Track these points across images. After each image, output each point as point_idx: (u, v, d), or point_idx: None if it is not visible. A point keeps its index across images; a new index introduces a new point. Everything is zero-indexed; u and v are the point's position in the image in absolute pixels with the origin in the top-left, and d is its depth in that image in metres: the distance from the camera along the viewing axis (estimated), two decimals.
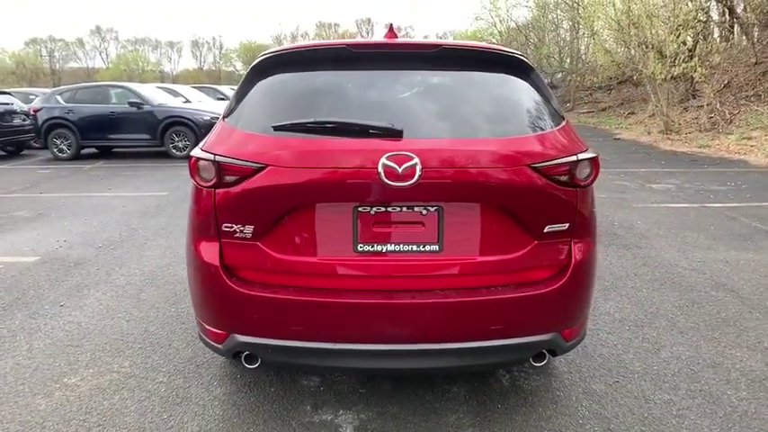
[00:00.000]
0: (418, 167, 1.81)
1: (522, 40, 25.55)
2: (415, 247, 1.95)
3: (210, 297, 2.06)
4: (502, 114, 2.07)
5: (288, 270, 1.97)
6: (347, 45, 2.07)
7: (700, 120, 12.83)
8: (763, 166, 9.17)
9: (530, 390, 2.48)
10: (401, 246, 1.95)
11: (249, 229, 1.95)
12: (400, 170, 1.81)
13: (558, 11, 22.60)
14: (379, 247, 1.95)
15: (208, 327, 2.10)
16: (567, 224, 2.00)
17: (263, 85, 2.11)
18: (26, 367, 2.70)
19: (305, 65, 2.15)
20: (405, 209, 1.93)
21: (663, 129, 13.40)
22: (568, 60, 23.78)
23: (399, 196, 1.88)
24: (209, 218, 1.99)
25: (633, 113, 17.40)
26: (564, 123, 2.10)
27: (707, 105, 12.87)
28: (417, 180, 1.81)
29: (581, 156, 1.98)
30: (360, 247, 1.94)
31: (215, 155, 1.94)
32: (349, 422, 2.25)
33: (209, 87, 20.29)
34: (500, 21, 25.72)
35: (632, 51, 14.35)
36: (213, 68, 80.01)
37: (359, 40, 2.22)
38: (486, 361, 2.07)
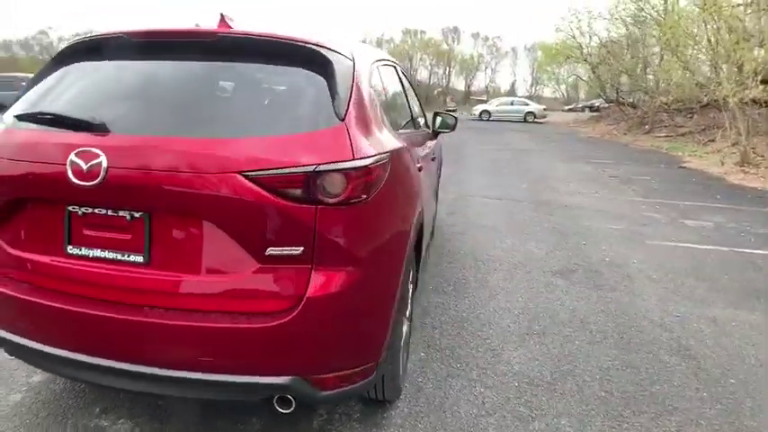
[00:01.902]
0: (103, 166, 1.60)
1: (604, 53, 23.96)
2: (119, 256, 1.69)
3: None
4: (250, 113, 1.75)
5: (14, 264, 1.81)
6: (125, 33, 1.92)
7: None
8: None
9: None
10: (108, 252, 1.69)
11: None
12: (85, 168, 1.61)
13: (641, 26, 20.87)
14: (88, 252, 1.72)
15: None
16: (302, 248, 1.59)
17: (39, 78, 1.99)
18: None
19: (87, 54, 2.00)
20: (110, 212, 1.67)
21: (739, 160, 11.83)
22: (649, 78, 21.92)
23: (94, 198, 1.66)
24: None
25: (713, 141, 15.61)
26: (336, 125, 1.68)
27: None
28: (101, 180, 1.60)
29: (324, 167, 1.56)
30: (70, 249, 1.72)
31: None
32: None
33: None
34: (580, 33, 24.28)
35: (707, 69, 12.86)
36: None
37: (142, 28, 1.93)
38: (207, 395, 1.80)
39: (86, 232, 1.71)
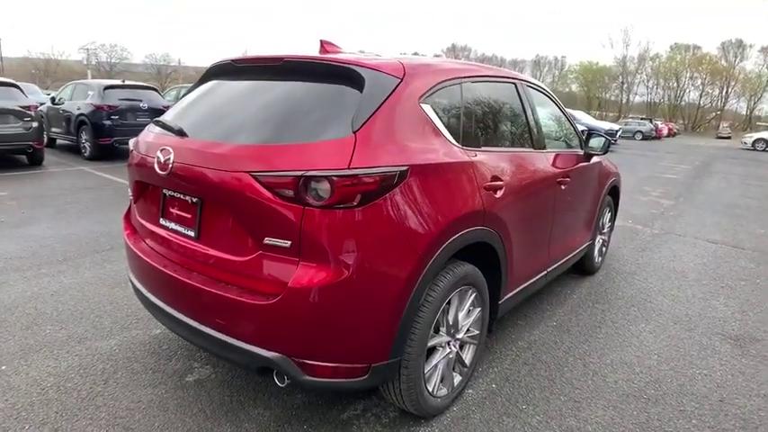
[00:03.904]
0: (171, 160, 2.09)
1: None
2: (182, 230, 2.18)
3: None
4: (279, 124, 2.01)
5: (141, 229, 2.49)
6: (232, 60, 2.46)
7: None
8: None
9: None
10: (178, 226, 2.19)
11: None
12: (162, 161, 2.11)
13: None
14: (170, 224, 2.24)
15: None
16: (290, 242, 1.79)
17: (186, 93, 2.70)
18: None
19: (210, 76, 2.60)
20: (182, 196, 2.15)
21: None
22: None
23: (170, 184, 2.16)
24: None
25: None
26: (346, 137, 1.83)
27: None
28: (170, 171, 2.08)
29: (313, 173, 1.74)
30: (161, 221, 2.29)
31: None
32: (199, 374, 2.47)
33: None
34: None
35: None
36: (551, 88, 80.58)
37: (241, 56, 2.47)
38: (219, 353, 2.09)
39: (170, 209, 2.22)
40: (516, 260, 2.75)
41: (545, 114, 3.45)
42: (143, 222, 2.42)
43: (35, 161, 9.27)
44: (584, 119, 21.20)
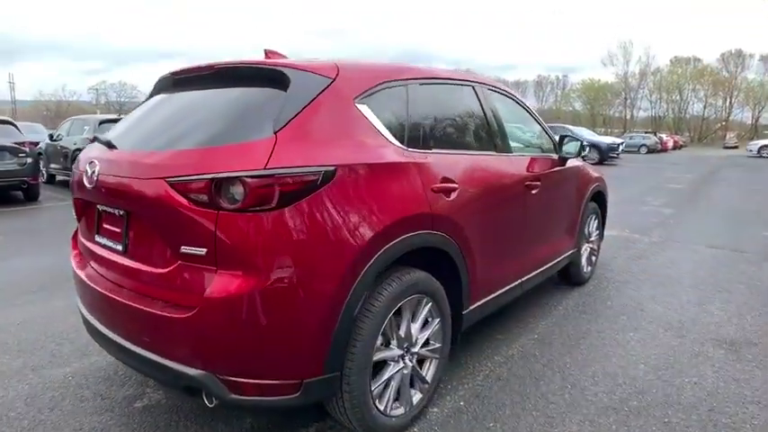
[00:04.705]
0: (96, 172, 2.04)
1: None
2: (112, 245, 2.10)
3: None
4: (198, 128, 1.97)
5: (83, 249, 2.40)
6: (171, 73, 2.42)
7: None
8: None
9: None
10: (109, 241, 2.12)
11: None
12: (89, 173, 2.08)
13: None
14: (103, 240, 2.17)
15: None
16: (205, 249, 1.67)
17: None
18: None
19: (154, 91, 2.55)
20: (111, 209, 2.09)
21: None
22: None
23: (99, 197, 2.11)
24: None
25: None
26: (266, 138, 1.73)
27: None
28: (95, 183, 2.04)
29: (224, 174, 1.64)
30: (96, 237, 2.21)
31: None
32: None
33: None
34: None
35: None
36: (554, 108, 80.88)
37: (178, 68, 2.38)
38: (148, 373, 2.02)
39: (104, 225, 2.15)
40: (481, 267, 2.60)
41: (513, 118, 3.35)
42: (83, 241, 2.34)
43: (31, 197, 9.30)
44: (586, 134, 21.07)
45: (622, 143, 24.01)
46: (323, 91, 1.94)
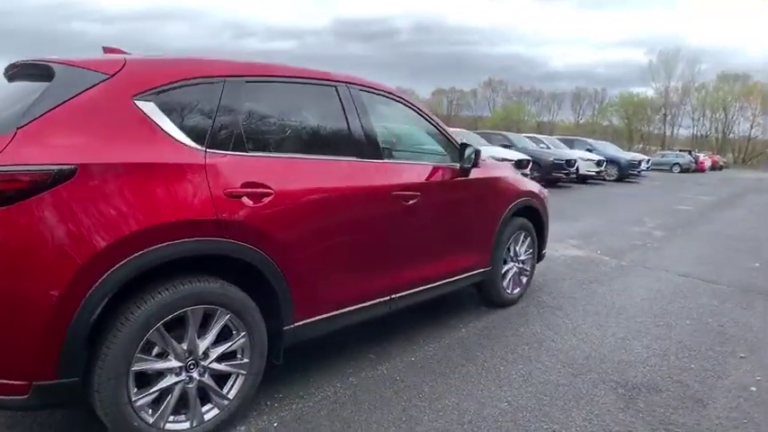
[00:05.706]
0: None
1: None
2: None
3: None
4: None
5: None
6: (5, 68, 2.38)
7: None
8: None
9: None
10: None
11: None
12: None
13: None
14: None
15: None
16: None
17: None
18: None
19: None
20: None
21: None
22: None
23: None
24: None
25: None
26: (5, 133, 1.70)
27: None
28: None
29: None
30: None
31: None
32: None
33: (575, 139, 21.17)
34: None
35: None
36: (590, 121, 78.88)
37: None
38: None
39: None
40: (313, 281, 2.36)
41: (398, 122, 3.06)
42: None
43: None
44: (607, 149, 20.29)
45: (647, 160, 23.04)
46: (91, 87, 1.90)
